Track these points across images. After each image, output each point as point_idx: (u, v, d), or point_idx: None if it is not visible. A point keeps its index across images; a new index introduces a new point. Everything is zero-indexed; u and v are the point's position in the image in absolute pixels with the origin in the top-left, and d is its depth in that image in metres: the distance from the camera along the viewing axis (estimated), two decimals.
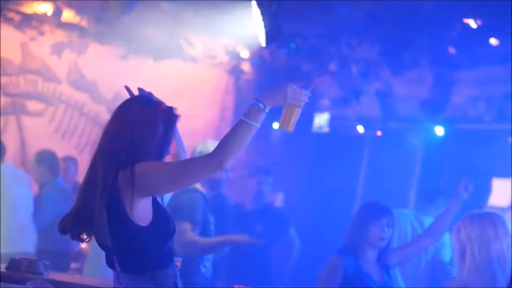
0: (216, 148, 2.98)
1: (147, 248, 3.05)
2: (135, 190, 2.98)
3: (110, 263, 3.12)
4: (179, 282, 3.15)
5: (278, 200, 7.84)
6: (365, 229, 4.55)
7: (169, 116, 3.17)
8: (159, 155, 3.12)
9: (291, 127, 3.19)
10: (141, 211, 3.03)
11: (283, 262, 7.10)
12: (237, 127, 3.01)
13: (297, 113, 3.17)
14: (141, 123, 3.11)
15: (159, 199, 3.18)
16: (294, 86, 3.11)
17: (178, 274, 3.16)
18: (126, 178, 2.99)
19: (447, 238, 6.20)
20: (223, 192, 5.90)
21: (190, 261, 4.90)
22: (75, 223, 3.09)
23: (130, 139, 3.07)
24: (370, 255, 4.60)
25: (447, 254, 6.17)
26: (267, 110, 3.05)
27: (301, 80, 3.22)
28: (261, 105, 3.04)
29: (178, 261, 3.33)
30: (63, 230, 3.11)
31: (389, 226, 4.60)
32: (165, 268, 3.08)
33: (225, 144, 2.98)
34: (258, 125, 3.02)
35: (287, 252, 7.08)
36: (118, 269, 3.09)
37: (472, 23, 6.29)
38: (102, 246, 3.12)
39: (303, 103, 3.13)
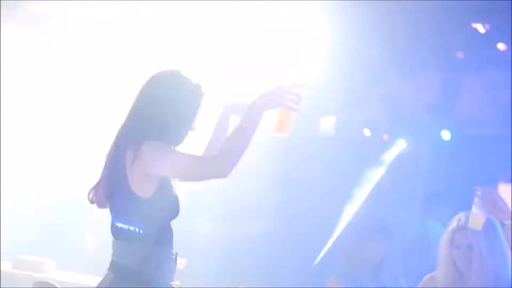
0: (220, 155, 2.96)
1: (145, 221, 3.07)
2: (134, 165, 3.01)
3: (111, 231, 3.17)
4: (169, 265, 3.14)
5: (281, 201, 7.83)
6: (362, 247, 4.53)
7: (197, 92, 3.16)
8: (181, 131, 3.14)
9: (286, 131, 3.06)
10: (142, 183, 3.04)
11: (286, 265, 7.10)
12: (237, 133, 2.98)
13: (291, 115, 3.03)
14: (167, 97, 3.11)
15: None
16: (286, 87, 3.00)
17: (171, 257, 3.15)
18: (132, 150, 3.02)
19: (440, 230, 6.23)
20: None
21: None
22: (96, 191, 3.16)
23: (154, 113, 3.09)
24: (367, 271, 4.58)
25: None
26: (261, 113, 2.98)
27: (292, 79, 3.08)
28: (256, 111, 2.98)
29: (181, 263, 3.34)
30: (90, 200, 3.18)
31: (385, 244, 4.61)
32: (156, 245, 3.09)
33: (228, 153, 2.96)
34: (257, 127, 2.99)
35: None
36: (115, 237, 3.13)
37: (480, 27, 6.28)
38: (109, 211, 3.17)
39: (298, 104, 3.02)
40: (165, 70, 3.23)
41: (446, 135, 7.39)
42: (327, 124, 8.19)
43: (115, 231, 3.12)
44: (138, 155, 3.00)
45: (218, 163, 2.96)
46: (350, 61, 7.48)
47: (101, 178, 3.14)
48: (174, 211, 3.14)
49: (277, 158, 8.61)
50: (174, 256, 3.15)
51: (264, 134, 3.10)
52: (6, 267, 4.58)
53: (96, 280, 3.01)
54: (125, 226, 3.09)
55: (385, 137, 8.08)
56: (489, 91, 7.30)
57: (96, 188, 3.16)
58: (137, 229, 3.06)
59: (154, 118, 3.08)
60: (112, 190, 3.08)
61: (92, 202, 3.19)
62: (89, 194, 3.18)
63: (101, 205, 3.17)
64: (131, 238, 3.07)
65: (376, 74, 7.55)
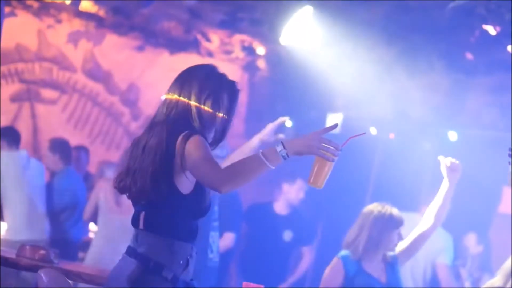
0: (226, 170, 2.93)
1: (178, 215, 3.07)
2: (181, 158, 2.98)
3: (135, 220, 3.12)
4: (192, 263, 3.14)
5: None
6: (385, 236, 4.56)
7: (232, 89, 3.17)
8: (222, 129, 3.13)
9: (320, 183, 2.93)
10: (185, 179, 3.03)
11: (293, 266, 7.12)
12: (252, 161, 2.91)
13: (327, 167, 2.90)
14: (207, 92, 3.10)
15: None
16: (324, 137, 2.88)
17: (194, 255, 3.15)
18: (180, 146, 2.99)
19: (449, 242, 6.24)
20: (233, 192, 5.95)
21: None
22: (133, 182, 3.10)
23: (196, 107, 3.08)
24: (377, 256, 4.62)
25: (449, 257, 6.20)
26: (287, 156, 2.87)
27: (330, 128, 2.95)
28: (282, 150, 2.88)
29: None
30: (121, 190, 3.15)
31: (401, 235, 4.66)
32: (185, 242, 3.09)
33: (234, 173, 2.91)
34: (273, 167, 2.89)
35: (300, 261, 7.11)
36: (142, 226, 3.09)
37: (491, 29, 6.27)
38: (136, 202, 3.13)
39: (333, 158, 2.89)
40: (203, 64, 3.24)
41: (452, 136, 7.38)
42: (334, 121, 8.18)
43: (147, 222, 3.08)
44: (189, 141, 2.98)
45: (221, 177, 2.92)
46: (359, 59, 7.49)
47: (139, 166, 3.08)
48: (207, 209, 3.15)
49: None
50: (195, 255, 3.16)
51: None
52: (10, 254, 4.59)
53: (97, 270, 2.97)
54: (160, 219, 3.07)
55: (392, 136, 8.07)
56: (497, 93, 7.30)
57: (130, 176, 3.10)
58: (172, 224, 3.05)
59: (197, 113, 3.08)
60: (154, 181, 3.03)
61: (122, 191, 3.15)
62: (120, 181, 3.14)
63: (139, 195, 3.10)
64: (165, 232, 3.06)
65: (384, 73, 7.55)
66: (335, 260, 4.62)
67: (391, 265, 4.71)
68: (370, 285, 4.56)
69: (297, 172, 6.93)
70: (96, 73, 8.97)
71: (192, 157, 2.96)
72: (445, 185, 4.83)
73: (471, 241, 6.83)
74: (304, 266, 7.08)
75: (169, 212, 3.06)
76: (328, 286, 4.58)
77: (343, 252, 4.63)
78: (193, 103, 3.09)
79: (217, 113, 3.11)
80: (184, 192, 3.06)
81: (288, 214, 6.94)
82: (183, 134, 3.01)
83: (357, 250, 4.59)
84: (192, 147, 2.98)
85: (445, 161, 4.77)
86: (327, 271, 4.63)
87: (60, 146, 7.05)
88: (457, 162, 4.76)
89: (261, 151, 2.91)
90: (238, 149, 4.27)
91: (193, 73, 3.17)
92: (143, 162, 3.07)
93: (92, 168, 7.92)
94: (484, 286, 4.44)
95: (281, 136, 4.29)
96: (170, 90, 3.16)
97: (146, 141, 3.10)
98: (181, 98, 3.11)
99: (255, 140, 4.26)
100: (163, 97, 3.17)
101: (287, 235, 6.80)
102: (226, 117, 3.14)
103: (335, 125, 2.97)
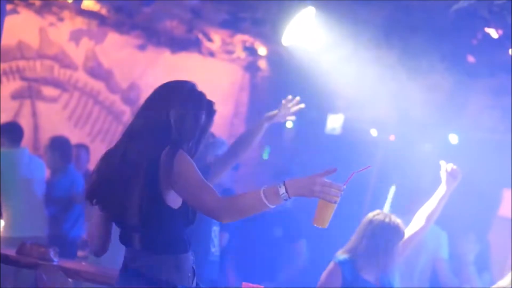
0: (227, 201, 2.94)
1: (174, 230, 3.07)
2: (170, 178, 2.97)
3: (127, 240, 3.10)
4: (195, 268, 3.15)
5: (289, 201, 7.83)
6: (389, 249, 4.55)
7: (210, 108, 3.18)
8: (196, 145, 3.14)
9: (324, 224, 2.98)
10: (172, 194, 3.02)
11: (287, 266, 7.09)
12: (252, 197, 2.92)
13: (330, 208, 2.95)
14: (189, 108, 3.11)
15: None
16: (325, 180, 2.92)
17: (194, 260, 3.16)
18: (167, 161, 2.98)
19: (444, 238, 6.26)
20: (228, 185, 5.96)
21: (200, 239, 4.92)
22: (99, 192, 3.09)
23: (175, 122, 3.08)
24: (378, 265, 4.60)
25: (445, 252, 6.21)
26: (287, 198, 2.90)
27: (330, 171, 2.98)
28: (284, 191, 2.90)
29: None
30: (88, 196, 3.12)
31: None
32: (186, 253, 3.10)
33: (234, 205, 2.93)
34: (272, 206, 2.92)
35: (293, 257, 7.08)
36: (138, 247, 3.07)
37: (493, 32, 6.27)
38: (121, 221, 3.09)
39: (335, 199, 2.94)
40: (183, 81, 3.24)
41: (453, 139, 7.38)
42: (335, 122, 8.18)
43: (145, 243, 3.05)
44: (178, 160, 2.97)
45: (221, 209, 2.93)
46: (360, 60, 7.48)
47: (120, 187, 3.04)
48: (197, 216, 3.14)
49: (281, 155, 8.63)
50: (193, 257, 3.16)
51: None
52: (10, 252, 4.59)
53: (98, 269, 2.94)
54: (158, 239, 3.05)
55: (392, 137, 8.07)
56: (498, 95, 7.30)
57: (110, 196, 3.07)
58: (171, 240, 3.05)
59: (176, 127, 3.08)
60: (144, 203, 2.99)
61: (97, 203, 3.12)
62: (93, 193, 3.12)
63: (125, 215, 3.05)
64: (166, 249, 3.05)
65: (385, 74, 7.54)
66: (332, 265, 4.59)
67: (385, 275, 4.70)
68: None
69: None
70: (98, 72, 8.97)
71: (185, 183, 2.96)
72: (441, 190, 4.84)
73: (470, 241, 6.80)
74: (297, 263, 7.04)
75: (165, 229, 3.04)
76: None
77: (341, 257, 4.60)
78: (172, 118, 3.08)
79: (194, 129, 3.11)
80: (175, 206, 3.05)
81: (277, 211, 6.91)
82: (166, 149, 3.00)
83: (358, 258, 4.56)
84: (182, 169, 2.96)
85: (446, 166, 4.78)
86: (324, 276, 4.60)
87: (60, 144, 7.05)
88: (458, 169, 4.78)
89: (262, 189, 2.91)
90: (246, 131, 4.40)
91: (175, 88, 3.18)
92: (123, 178, 3.03)
93: (92, 166, 7.91)
94: (495, 286, 4.44)
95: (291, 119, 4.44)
96: (151, 102, 3.15)
97: (123, 154, 3.08)
98: (161, 112, 3.10)
99: (264, 123, 4.41)
100: (142, 108, 3.17)
101: (277, 232, 6.77)
102: (201, 134, 3.15)
103: (335, 169, 2.98)
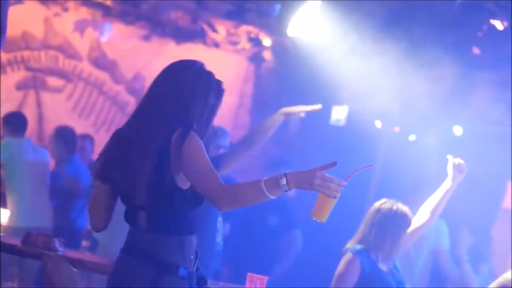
0: (229, 189, 2.94)
1: (181, 211, 3.07)
2: (180, 159, 2.98)
3: (133, 219, 3.10)
4: (197, 251, 3.16)
5: (291, 190, 7.83)
6: (397, 237, 4.57)
7: (219, 88, 3.18)
8: (205, 126, 3.13)
9: (323, 218, 2.98)
10: (182, 175, 3.03)
11: (282, 256, 7.10)
12: (252, 187, 2.93)
13: (329, 203, 2.94)
14: (197, 88, 3.11)
15: None
16: (325, 174, 2.91)
17: (197, 244, 3.17)
18: (178, 143, 2.98)
19: (444, 227, 6.27)
20: (231, 175, 5.97)
21: (207, 229, 4.93)
22: (109, 171, 3.10)
23: (184, 103, 3.08)
24: (391, 255, 4.62)
25: (446, 242, 6.24)
26: (287, 190, 2.91)
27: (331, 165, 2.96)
28: (285, 183, 2.91)
29: None
30: (98, 176, 3.14)
31: None
32: (191, 235, 3.10)
33: (236, 196, 2.94)
34: (272, 197, 2.93)
35: (288, 247, 7.08)
36: (144, 226, 3.07)
37: (498, 24, 6.26)
38: (129, 200, 3.10)
39: (336, 194, 2.92)
40: (192, 60, 3.23)
41: (458, 130, 7.37)
42: (339, 113, 8.18)
43: (152, 222, 3.05)
44: (188, 141, 2.98)
45: (223, 197, 2.94)
46: (365, 52, 7.47)
47: (130, 164, 3.05)
48: (202, 200, 3.14)
49: (286, 147, 8.63)
50: (196, 241, 3.17)
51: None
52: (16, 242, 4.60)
53: (103, 259, 2.95)
54: (165, 219, 3.05)
55: (397, 129, 8.07)
56: (503, 88, 7.28)
57: (120, 173, 3.09)
58: (178, 221, 3.05)
59: (184, 107, 3.08)
60: (154, 181, 3.01)
61: (107, 181, 3.13)
62: (103, 171, 3.13)
63: (134, 194, 3.06)
64: (172, 230, 3.05)
65: (390, 66, 7.54)
66: (350, 256, 4.58)
67: (396, 269, 4.72)
68: (387, 285, 4.56)
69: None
70: (102, 62, 8.96)
71: (193, 165, 2.97)
72: (447, 184, 4.85)
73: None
74: (292, 253, 7.03)
75: (173, 210, 3.04)
76: (344, 282, 4.55)
77: (358, 247, 4.60)
78: (181, 98, 3.09)
79: (203, 110, 3.12)
80: (184, 187, 3.05)
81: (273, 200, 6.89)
82: (178, 131, 3.00)
83: (370, 248, 4.57)
84: (192, 151, 2.97)
85: (453, 161, 4.78)
86: (342, 267, 4.58)
87: (65, 135, 7.05)
88: (464, 163, 4.78)
89: (263, 180, 2.91)
90: (262, 122, 4.44)
91: (184, 68, 3.17)
92: (134, 158, 3.04)
93: (96, 157, 7.92)
94: (497, 281, 4.45)
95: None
96: (160, 82, 3.15)
97: (133, 134, 3.08)
98: (170, 92, 3.10)
99: (281, 117, 4.44)
100: (151, 88, 3.17)
101: (272, 221, 6.78)
102: (210, 115, 3.15)
103: (335, 163, 2.96)
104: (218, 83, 3.18)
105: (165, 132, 3.02)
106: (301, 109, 4.83)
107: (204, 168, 2.97)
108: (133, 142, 3.06)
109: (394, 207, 4.63)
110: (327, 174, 2.91)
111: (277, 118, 4.75)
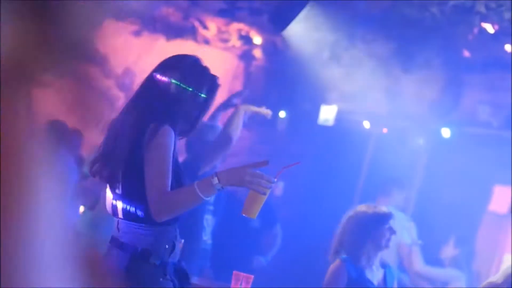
0: (165, 197, 2.96)
1: None
2: (150, 147, 3.01)
3: (112, 210, 3.15)
4: (178, 245, 3.17)
5: (278, 189, 7.84)
6: (375, 235, 4.53)
7: (213, 82, 3.19)
8: (196, 120, 3.15)
9: (253, 214, 3.04)
10: None
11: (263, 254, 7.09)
12: (186, 192, 2.99)
13: (259, 199, 2.99)
14: (186, 82, 3.12)
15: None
16: (255, 171, 2.97)
17: (178, 235, 3.18)
18: (148, 137, 3.01)
19: (407, 221, 6.38)
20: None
21: (192, 227, 4.92)
22: (103, 166, 3.13)
23: (172, 96, 3.10)
24: (372, 258, 4.59)
25: (407, 237, 6.32)
26: (220, 188, 2.95)
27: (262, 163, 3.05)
28: (216, 181, 2.95)
29: (180, 243, 3.35)
30: (93, 173, 3.18)
31: (393, 229, 4.63)
32: (167, 226, 3.11)
33: (170, 202, 2.97)
34: (206, 198, 2.97)
35: (272, 241, 7.08)
36: (121, 216, 3.11)
37: (489, 28, 6.27)
38: (111, 190, 3.15)
39: (265, 190, 2.98)
40: (187, 54, 3.24)
41: (446, 132, 7.39)
42: (328, 113, 8.19)
43: (125, 212, 3.10)
44: (156, 138, 3.00)
45: (159, 207, 2.96)
46: (355, 52, 7.49)
47: (112, 153, 3.10)
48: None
49: (273, 146, 8.63)
50: (178, 236, 3.17)
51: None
52: None
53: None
54: (135, 208, 3.08)
55: (385, 130, 8.08)
56: (492, 91, 7.31)
57: (103, 162, 3.13)
58: (148, 211, 3.05)
59: (174, 101, 3.09)
60: (126, 169, 3.06)
61: (95, 175, 3.18)
62: (92, 167, 3.17)
63: (112, 183, 3.13)
64: (145, 219, 3.07)
65: (380, 67, 7.55)
66: (338, 263, 4.57)
67: (389, 268, 4.70)
68: None
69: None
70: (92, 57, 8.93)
71: (151, 160, 2.99)
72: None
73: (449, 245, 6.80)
74: (277, 244, 7.02)
75: (146, 200, 3.04)
76: None
77: (342, 255, 4.59)
78: (170, 91, 3.10)
79: (194, 104, 3.13)
80: None
81: None
82: (152, 125, 3.02)
83: (353, 254, 4.56)
84: (154, 146, 2.99)
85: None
86: (330, 274, 4.56)
87: (55, 129, 7.02)
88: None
89: (196, 183, 2.95)
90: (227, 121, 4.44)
91: (178, 61, 3.19)
92: (116, 148, 3.09)
93: (84, 151, 7.90)
94: (483, 284, 4.40)
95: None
96: (153, 74, 3.17)
97: (120, 125, 3.13)
98: (161, 84, 3.12)
99: (241, 112, 4.43)
100: (145, 80, 3.18)
101: (254, 222, 6.78)
102: (202, 109, 3.17)
103: (266, 162, 3.02)
104: (213, 77, 3.19)
105: (143, 124, 3.05)
106: (255, 110, 4.81)
107: (158, 168, 3.00)
108: (118, 133, 3.12)
109: (370, 210, 4.60)
110: (257, 171, 2.96)
111: (240, 114, 4.75)
